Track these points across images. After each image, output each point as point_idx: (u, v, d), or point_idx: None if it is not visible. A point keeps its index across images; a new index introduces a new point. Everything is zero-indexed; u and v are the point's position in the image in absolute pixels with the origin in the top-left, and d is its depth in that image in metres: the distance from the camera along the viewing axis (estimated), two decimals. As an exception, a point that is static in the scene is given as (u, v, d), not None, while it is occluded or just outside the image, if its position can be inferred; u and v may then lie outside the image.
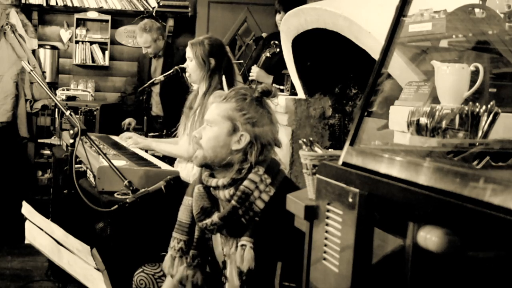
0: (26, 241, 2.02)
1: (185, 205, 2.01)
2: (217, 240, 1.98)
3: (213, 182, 1.88)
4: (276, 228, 1.78)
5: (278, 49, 3.89)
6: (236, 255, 1.80)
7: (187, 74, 2.98)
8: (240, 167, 1.85)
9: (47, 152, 5.46)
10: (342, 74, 3.09)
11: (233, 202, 1.81)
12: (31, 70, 2.55)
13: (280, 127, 3.20)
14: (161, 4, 5.55)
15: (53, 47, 5.63)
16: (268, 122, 1.89)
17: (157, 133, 4.27)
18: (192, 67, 2.91)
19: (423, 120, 1.43)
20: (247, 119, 1.85)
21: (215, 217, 1.83)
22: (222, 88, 2.91)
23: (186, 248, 1.98)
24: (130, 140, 3.15)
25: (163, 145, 3.08)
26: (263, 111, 1.89)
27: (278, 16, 4.24)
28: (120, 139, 3.29)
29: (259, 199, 1.80)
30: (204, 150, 1.88)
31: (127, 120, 4.86)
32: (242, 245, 1.79)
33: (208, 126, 1.90)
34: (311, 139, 1.49)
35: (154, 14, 5.56)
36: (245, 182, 1.81)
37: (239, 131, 1.85)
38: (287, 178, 1.91)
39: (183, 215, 2.00)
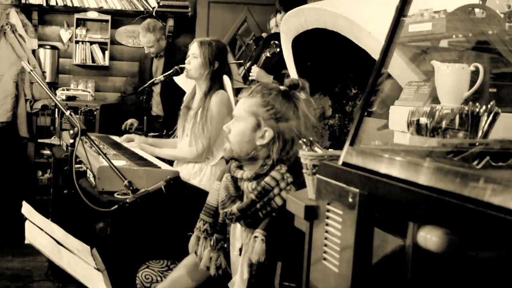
0: (26, 241, 2.02)
1: (213, 188, 2.07)
2: (236, 228, 2.01)
3: (239, 173, 1.94)
4: (291, 227, 1.78)
5: (278, 49, 3.89)
6: (249, 246, 1.83)
7: (186, 69, 2.98)
8: (264, 162, 1.90)
9: (47, 152, 5.46)
10: (342, 74, 3.09)
11: (252, 196, 1.84)
12: (31, 70, 2.55)
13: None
14: (161, 4, 5.55)
15: (53, 47, 5.63)
16: (293, 117, 1.90)
17: (157, 133, 4.27)
18: (195, 64, 2.94)
19: (423, 120, 1.43)
20: (271, 114, 1.88)
21: (234, 207, 1.87)
22: (224, 90, 2.93)
23: (211, 230, 2.04)
24: (134, 143, 3.16)
25: (166, 151, 3.09)
26: (289, 105, 1.91)
27: (278, 16, 4.24)
28: (122, 141, 3.28)
29: (278, 196, 1.83)
30: (231, 144, 1.93)
31: (129, 121, 4.85)
32: (254, 237, 1.82)
33: (236, 121, 1.94)
34: (311, 139, 1.49)
35: (154, 14, 5.56)
36: (267, 179, 1.84)
37: (262, 126, 1.88)
38: None
39: (211, 198, 2.07)
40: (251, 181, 1.89)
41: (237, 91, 3.08)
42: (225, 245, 2.03)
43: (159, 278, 2.19)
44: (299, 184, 1.84)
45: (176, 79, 3.41)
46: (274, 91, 1.91)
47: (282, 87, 1.93)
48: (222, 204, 1.96)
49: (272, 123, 1.88)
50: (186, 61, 3.00)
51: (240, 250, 1.97)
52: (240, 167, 1.97)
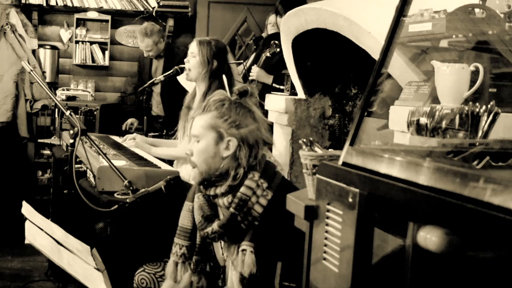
0: (26, 241, 2.01)
1: (185, 210, 2.01)
2: (218, 245, 1.98)
3: (211, 191, 1.89)
4: (276, 231, 1.78)
5: (278, 49, 3.89)
6: (238, 260, 1.80)
7: (186, 70, 2.98)
8: (235, 173, 1.85)
9: (47, 152, 5.46)
10: (342, 74, 3.09)
11: (231, 209, 1.81)
12: (31, 70, 2.55)
13: (280, 127, 3.19)
14: (161, 4, 5.55)
15: (53, 47, 5.63)
16: (252, 121, 1.88)
17: (157, 133, 4.27)
18: (194, 63, 2.93)
19: (423, 120, 1.43)
20: (230, 123, 1.85)
21: (215, 225, 1.84)
22: (224, 89, 2.93)
23: (189, 254, 1.98)
24: (131, 141, 3.15)
25: (164, 150, 3.09)
26: (244, 112, 1.88)
27: (279, 19, 4.24)
28: (123, 141, 3.28)
29: (257, 204, 1.81)
30: (198, 166, 1.88)
31: (129, 121, 4.85)
32: (242, 250, 1.79)
33: (195, 142, 1.90)
34: (311, 139, 1.49)
35: (154, 14, 5.55)
36: (242, 189, 1.81)
37: (225, 137, 1.85)
38: (284, 179, 1.91)
39: (184, 220, 2.01)
40: (226, 195, 1.85)
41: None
42: (207, 265, 1.99)
43: (152, 284, 2.19)
44: (275, 187, 1.84)
45: (179, 78, 3.41)
46: (227, 101, 1.89)
47: (232, 97, 1.91)
48: (200, 225, 1.91)
49: (234, 131, 1.85)
50: (185, 60, 3.00)
51: (223, 267, 1.95)
52: (210, 185, 1.91)
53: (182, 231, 2.01)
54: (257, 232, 1.81)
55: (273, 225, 1.78)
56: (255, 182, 1.82)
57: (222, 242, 1.95)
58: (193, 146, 1.91)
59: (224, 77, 2.94)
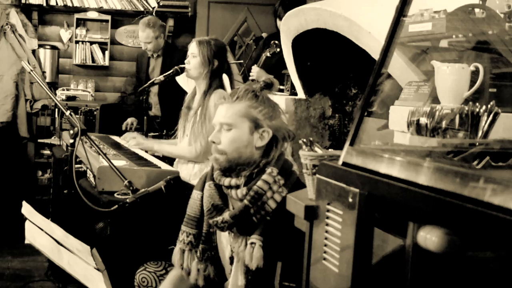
0: (26, 241, 2.02)
1: (193, 198, 2.02)
2: (222, 236, 1.98)
3: (225, 181, 1.88)
4: (286, 228, 1.78)
5: (278, 49, 3.89)
6: (245, 253, 1.80)
7: (186, 69, 2.99)
8: (259, 164, 1.86)
9: (47, 152, 5.46)
10: (342, 74, 3.09)
11: (245, 201, 1.81)
12: (31, 70, 2.55)
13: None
14: (161, 4, 5.55)
15: (53, 47, 5.62)
16: (279, 114, 1.92)
17: (157, 133, 4.27)
18: (195, 63, 2.94)
19: (423, 120, 1.43)
20: (264, 114, 1.87)
21: (226, 215, 1.83)
22: (223, 89, 2.94)
23: (196, 242, 1.99)
24: (132, 140, 3.16)
25: (165, 147, 3.09)
26: (270, 103, 1.92)
27: (279, 22, 4.24)
28: (123, 139, 3.29)
29: (271, 199, 1.81)
30: (228, 154, 1.87)
31: (129, 120, 4.84)
32: (251, 243, 1.79)
33: (224, 130, 1.89)
34: (311, 139, 1.49)
35: (154, 14, 5.55)
36: (259, 183, 1.81)
37: (260, 127, 1.86)
38: (299, 179, 1.92)
39: (192, 209, 2.01)
40: (240, 188, 1.85)
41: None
42: (212, 253, 1.99)
43: (154, 283, 2.19)
44: (291, 185, 1.84)
45: (178, 79, 3.42)
46: (257, 92, 1.90)
47: (257, 87, 1.92)
48: (209, 213, 1.91)
49: (268, 123, 1.87)
50: (185, 61, 3.01)
51: (231, 258, 1.95)
52: (225, 175, 1.91)
53: (189, 219, 2.01)
54: (268, 227, 1.80)
55: (285, 222, 1.78)
56: (273, 177, 1.82)
57: (228, 234, 1.94)
58: (222, 134, 1.89)
59: (225, 76, 2.96)
